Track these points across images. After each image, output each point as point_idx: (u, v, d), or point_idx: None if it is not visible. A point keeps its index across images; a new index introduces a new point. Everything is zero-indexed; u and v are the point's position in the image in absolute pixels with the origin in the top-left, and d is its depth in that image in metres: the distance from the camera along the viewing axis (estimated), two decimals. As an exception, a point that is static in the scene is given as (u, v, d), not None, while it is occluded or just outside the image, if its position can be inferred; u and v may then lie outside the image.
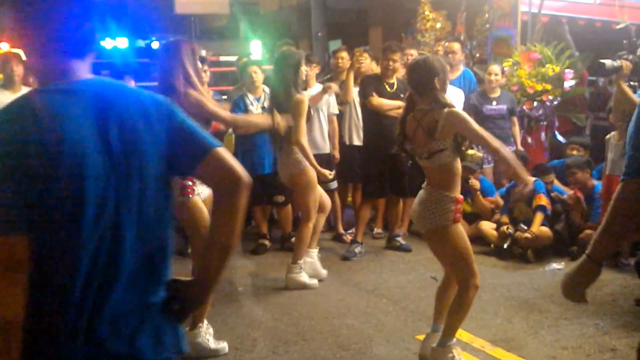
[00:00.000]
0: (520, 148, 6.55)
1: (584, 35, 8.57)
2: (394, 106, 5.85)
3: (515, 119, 6.69)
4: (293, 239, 5.88)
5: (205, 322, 3.75)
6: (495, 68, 6.64)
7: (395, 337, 3.95)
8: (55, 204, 1.45)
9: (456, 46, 6.65)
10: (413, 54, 6.99)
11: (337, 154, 6.26)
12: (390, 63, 5.83)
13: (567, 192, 5.86)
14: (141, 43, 9.46)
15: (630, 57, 5.38)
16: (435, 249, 3.47)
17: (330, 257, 5.72)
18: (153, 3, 13.10)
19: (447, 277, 3.55)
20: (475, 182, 6.00)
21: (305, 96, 4.83)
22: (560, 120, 7.47)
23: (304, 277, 4.92)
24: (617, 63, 5.23)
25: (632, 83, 5.34)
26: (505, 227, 5.69)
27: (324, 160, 5.77)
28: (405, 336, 3.95)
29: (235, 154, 6.09)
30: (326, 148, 6.18)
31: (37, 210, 1.43)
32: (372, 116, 5.86)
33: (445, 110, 3.25)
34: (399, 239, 6.09)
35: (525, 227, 5.53)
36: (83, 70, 1.58)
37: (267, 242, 6.16)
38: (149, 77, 7.89)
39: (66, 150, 1.44)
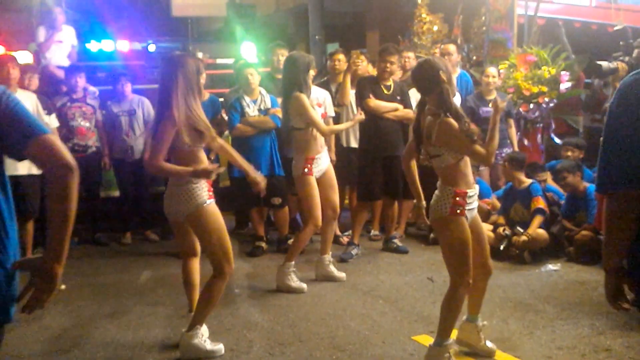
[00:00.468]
0: (516, 149, 6.58)
1: (580, 37, 8.61)
2: (390, 108, 5.87)
3: (511, 121, 6.71)
4: (290, 241, 5.90)
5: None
6: (491, 70, 6.66)
7: (392, 337, 3.95)
8: None
9: (452, 48, 6.67)
10: (410, 56, 7.04)
11: (333, 156, 6.26)
12: (388, 65, 5.84)
13: (561, 192, 5.89)
14: (137, 46, 9.46)
15: (627, 58, 5.43)
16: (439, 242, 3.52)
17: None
18: (150, 6, 13.12)
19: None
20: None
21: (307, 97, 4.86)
22: (556, 122, 7.50)
23: (292, 281, 4.92)
24: (613, 65, 5.28)
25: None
26: (501, 229, 5.70)
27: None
28: (401, 337, 3.96)
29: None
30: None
31: None
32: (369, 118, 5.86)
33: (439, 120, 3.28)
34: (395, 240, 6.10)
35: (522, 230, 5.54)
36: None
37: (263, 245, 6.16)
38: (145, 80, 7.88)
39: None
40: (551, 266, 5.36)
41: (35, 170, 5.50)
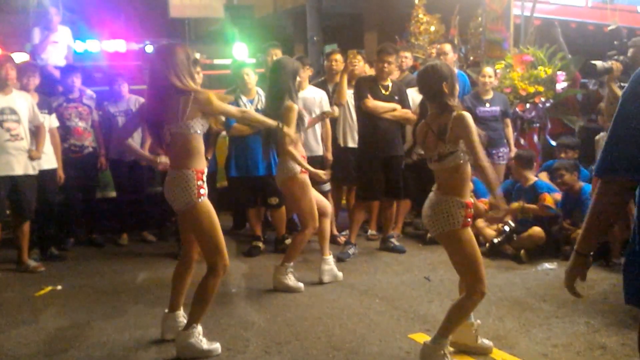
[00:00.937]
0: (514, 149, 6.59)
1: (576, 38, 8.63)
2: (388, 108, 5.88)
3: (508, 121, 6.73)
4: (287, 241, 5.90)
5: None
6: (488, 70, 6.68)
7: (388, 336, 3.96)
8: None
9: (447, 47, 6.69)
10: (407, 56, 7.05)
11: (329, 156, 6.27)
12: (385, 65, 5.85)
13: (555, 188, 5.92)
14: (135, 46, 9.44)
15: (621, 58, 5.44)
16: (447, 252, 3.50)
17: (324, 259, 5.71)
18: (147, 7, 13.10)
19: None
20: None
21: (296, 104, 4.81)
22: (552, 122, 7.52)
23: (290, 281, 4.93)
24: (608, 64, 5.28)
25: (622, 84, 5.38)
26: (501, 225, 5.76)
27: (317, 162, 5.79)
28: (398, 335, 3.96)
29: (229, 156, 6.12)
30: (319, 150, 6.22)
31: None
32: (367, 118, 5.88)
33: (454, 113, 3.30)
34: (392, 240, 6.11)
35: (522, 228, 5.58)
36: None
37: (261, 244, 6.16)
38: (142, 81, 7.87)
39: None
40: (547, 265, 5.36)
41: (31, 171, 5.50)
